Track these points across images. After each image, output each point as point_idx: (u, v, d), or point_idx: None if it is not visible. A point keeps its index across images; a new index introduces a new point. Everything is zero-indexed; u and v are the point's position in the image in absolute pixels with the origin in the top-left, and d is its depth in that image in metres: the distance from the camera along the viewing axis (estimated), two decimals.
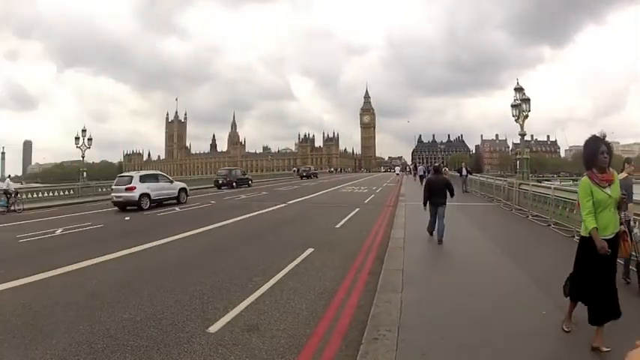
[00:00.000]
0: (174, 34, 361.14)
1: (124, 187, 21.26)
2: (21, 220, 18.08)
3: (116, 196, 21.36)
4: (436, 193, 10.71)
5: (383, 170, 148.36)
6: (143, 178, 22.01)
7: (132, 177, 22.02)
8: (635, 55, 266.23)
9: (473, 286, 6.72)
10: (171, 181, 24.74)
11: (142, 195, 21.13)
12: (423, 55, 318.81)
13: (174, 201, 23.44)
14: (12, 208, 22.03)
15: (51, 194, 28.00)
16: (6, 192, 22.43)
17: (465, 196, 22.77)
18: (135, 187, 21.07)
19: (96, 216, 18.07)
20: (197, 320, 5.63)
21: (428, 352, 4.40)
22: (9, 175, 24.92)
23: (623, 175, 7.19)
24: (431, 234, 10.80)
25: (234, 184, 39.45)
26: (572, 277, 5.05)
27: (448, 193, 10.78)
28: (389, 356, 4.29)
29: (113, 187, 22.38)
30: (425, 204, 10.93)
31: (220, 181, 39.65)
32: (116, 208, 21.25)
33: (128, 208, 20.75)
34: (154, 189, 22.18)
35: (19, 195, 23.60)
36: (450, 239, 10.58)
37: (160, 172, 26.76)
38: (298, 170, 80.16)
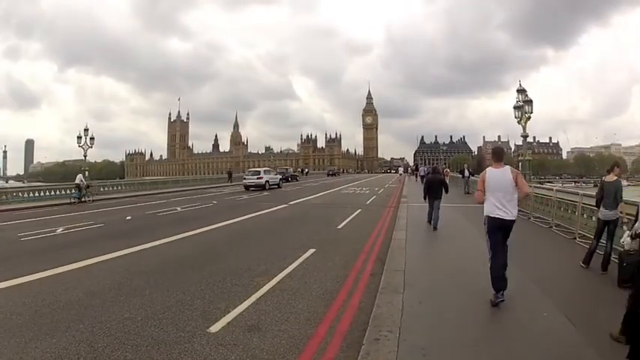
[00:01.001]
0: (175, 33, 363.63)
1: (256, 177, 36.88)
2: (90, 209, 21.66)
3: (249, 182, 36.42)
4: (433, 190, 13.06)
5: (382, 171, 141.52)
6: (265, 172, 38.17)
7: (260, 171, 38.16)
8: (638, 56, 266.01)
9: (474, 287, 6.70)
10: (277, 174, 42.62)
11: (266, 181, 36.46)
12: (426, 55, 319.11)
13: (277, 186, 38.29)
14: (83, 199, 25.96)
15: (52, 193, 28.02)
16: (78, 186, 26.70)
17: (467, 198, 22.74)
18: (262, 177, 36.62)
19: (97, 215, 18.06)
20: (198, 320, 5.62)
21: (429, 353, 4.40)
22: (83, 170, 28.90)
23: (613, 177, 7.45)
24: (429, 222, 12.88)
25: (289, 178, 52.74)
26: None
27: (443, 190, 13.16)
28: (390, 357, 4.29)
29: (245, 176, 39.24)
30: (425, 198, 13.34)
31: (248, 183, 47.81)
32: (244, 189, 35.28)
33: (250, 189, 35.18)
34: (270, 178, 38.06)
35: (90, 188, 28.06)
36: (451, 240, 10.61)
37: (270, 168, 47.75)
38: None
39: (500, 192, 6.05)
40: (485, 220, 6.25)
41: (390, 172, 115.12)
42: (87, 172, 32.90)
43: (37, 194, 27.28)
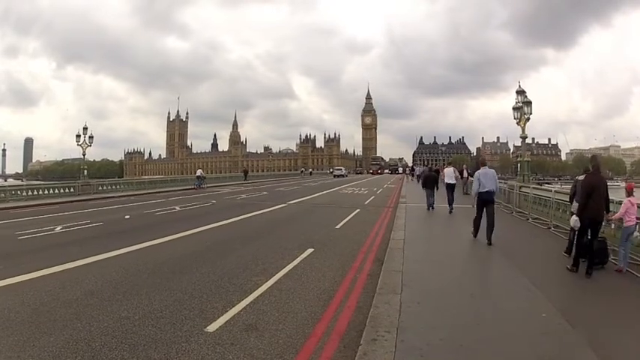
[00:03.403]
0: (174, 31, 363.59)
1: (339, 171, 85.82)
2: (204, 192, 32.72)
3: (336, 173, 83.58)
4: (428, 182, 18.70)
5: (371, 172, 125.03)
6: (344, 169, 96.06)
7: (342, 168, 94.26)
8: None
9: (472, 289, 6.74)
10: (346, 169, 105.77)
11: (346, 173, 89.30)
12: (426, 55, 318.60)
13: (346, 176, 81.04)
14: (201, 187, 37.48)
15: (51, 192, 27.99)
16: (199, 177, 39.67)
17: (466, 198, 22.68)
18: (343, 171, 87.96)
19: (95, 214, 18.05)
20: (195, 319, 5.63)
21: (427, 354, 4.40)
22: (200, 168, 37.94)
23: (582, 177, 8.23)
24: (428, 207, 17.58)
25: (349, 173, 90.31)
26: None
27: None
28: (387, 357, 4.29)
29: (334, 170, 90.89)
30: (423, 186, 19.26)
31: (337, 174, 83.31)
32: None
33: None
34: (345, 171, 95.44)
35: (205, 179, 41.42)
36: (450, 241, 10.65)
37: (345, 167, 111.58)
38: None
39: (450, 175, 18.52)
40: (445, 185, 18.19)
41: (381, 173, 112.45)
42: (85, 171, 32.88)
43: (35, 192, 27.15)
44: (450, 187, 17.77)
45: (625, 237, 7.72)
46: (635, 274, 7.56)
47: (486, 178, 10.71)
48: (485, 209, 10.62)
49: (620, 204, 8.01)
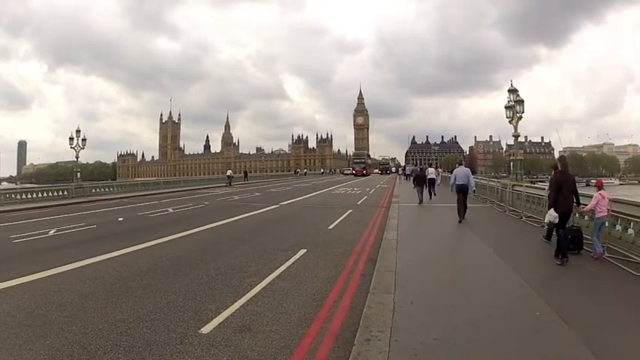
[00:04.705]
0: (164, 32, 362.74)
1: (350, 169, 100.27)
2: (234, 188, 40.13)
3: (347, 172, 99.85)
4: (419, 180, 21.87)
5: (353, 172, 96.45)
6: (352, 169, 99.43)
7: (350, 168, 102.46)
8: (633, 55, 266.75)
9: (466, 287, 6.78)
10: (354, 170, 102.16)
11: (353, 172, 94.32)
12: (417, 54, 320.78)
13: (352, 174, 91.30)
14: (230, 185, 45.03)
15: (45, 195, 27.88)
16: (229, 177, 47.73)
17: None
18: (352, 170, 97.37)
19: (89, 217, 18.00)
20: (189, 321, 5.65)
21: (420, 353, 4.44)
22: (231, 169, 43.50)
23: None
24: (419, 202, 20.27)
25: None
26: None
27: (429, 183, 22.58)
28: (381, 357, 4.32)
29: (344, 169, 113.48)
30: (414, 184, 22.69)
31: (347, 172, 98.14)
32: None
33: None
34: (352, 170, 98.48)
35: (234, 178, 49.85)
36: (443, 241, 10.68)
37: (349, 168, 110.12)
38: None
39: (432, 173, 23.86)
40: (427, 180, 22.18)
41: (367, 174, 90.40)
42: (79, 174, 32.74)
43: (29, 196, 27.12)
44: (432, 181, 23.04)
45: (598, 226, 8.62)
46: (619, 266, 7.87)
47: (461, 174, 14.64)
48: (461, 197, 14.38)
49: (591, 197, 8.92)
